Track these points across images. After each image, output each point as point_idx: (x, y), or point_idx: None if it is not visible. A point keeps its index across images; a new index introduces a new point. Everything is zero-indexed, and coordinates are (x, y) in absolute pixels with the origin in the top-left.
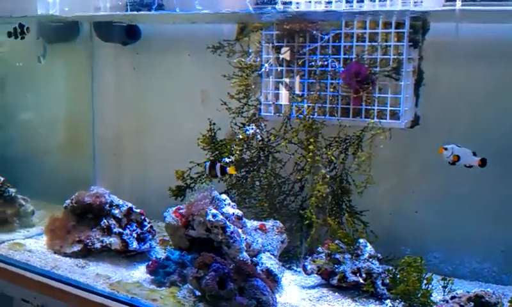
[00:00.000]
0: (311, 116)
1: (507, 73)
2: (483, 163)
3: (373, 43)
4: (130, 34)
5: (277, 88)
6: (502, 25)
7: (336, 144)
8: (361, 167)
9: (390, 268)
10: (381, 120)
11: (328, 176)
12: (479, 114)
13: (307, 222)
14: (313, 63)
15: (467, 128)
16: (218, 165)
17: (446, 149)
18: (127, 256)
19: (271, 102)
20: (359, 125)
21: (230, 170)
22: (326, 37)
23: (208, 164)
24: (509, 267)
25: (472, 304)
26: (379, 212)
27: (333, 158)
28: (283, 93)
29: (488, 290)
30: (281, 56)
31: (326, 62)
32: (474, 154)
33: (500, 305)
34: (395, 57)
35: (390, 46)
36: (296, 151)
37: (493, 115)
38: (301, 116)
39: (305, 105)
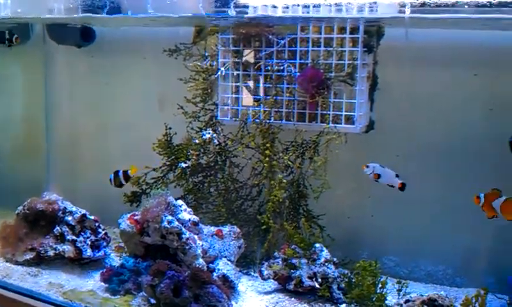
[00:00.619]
0: (267, 121)
1: (459, 77)
2: (403, 186)
3: (328, 48)
4: (84, 36)
5: (234, 92)
6: (453, 31)
7: (293, 148)
8: (317, 172)
9: (346, 272)
10: (337, 125)
11: (285, 181)
12: (433, 117)
13: (264, 227)
14: (269, 68)
15: (421, 131)
16: (121, 172)
17: (367, 166)
18: (80, 264)
19: (227, 107)
20: (315, 129)
21: (131, 170)
22: (282, 42)
23: (112, 176)
24: (463, 270)
25: None
26: (336, 216)
27: (289, 163)
28: (240, 97)
29: (442, 293)
30: (237, 60)
31: (282, 67)
32: (397, 176)
33: None
34: (350, 62)
35: (345, 51)
36: (253, 156)
37: (446, 118)
38: (258, 120)
39: (262, 110)
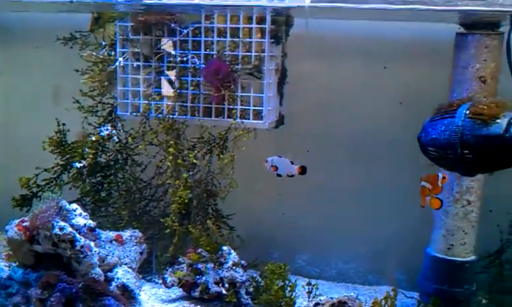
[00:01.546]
0: (171, 116)
1: (370, 70)
2: (303, 170)
3: (234, 39)
4: None
5: (134, 85)
6: (365, 24)
7: (200, 145)
8: (224, 170)
9: (255, 275)
10: (244, 120)
11: (191, 180)
12: (344, 111)
13: (168, 230)
14: (171, 59)
15: (332, 126)
16: None
17: (266, 161)
18: None
19: (127, 101)
20: (222, 125)
21: None
22: (185, 31)
23: None
24: (374, 267)
25: None
26: (246, 215)
27: (195, 161)
28: (141, 91)
29: (352, 294)
30: (137, 50)
31: (185, 58)
32: (292, 163)
33: None
34: (257, 54)
35: (252, 42)
36: (157, 154)
37: (357, 112)
38: (161, 115)
39: (165, 104)
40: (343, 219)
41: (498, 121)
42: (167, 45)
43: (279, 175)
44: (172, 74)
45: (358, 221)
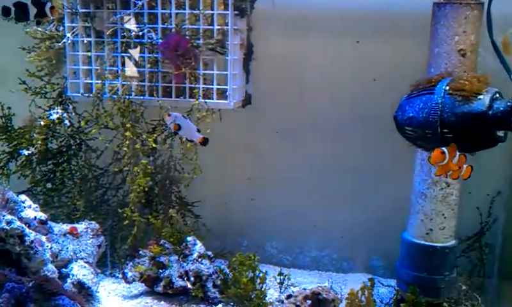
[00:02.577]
0: (127, 96)
1: (342, 47)
2: (204, 141)
3: (194, 11)
4: None
5: (85, 63)
6: None
7: (160, 128)
8: (186, 155)
9: (223, 266)
10: (208, 100)
11: (151, 166)
12: (316, 89)
13: (127, 222)
14: (125, 34)
15: (303, 105)
16: None
17: (169, 115)
18: None
19: (78, 80)
20: (184, 106)
21: None
22: (140, 2)
23: None
24: (349, 254)
25: (309, 302)
26: (213, 202)
27: (154, 145)
28: (93, 69)
29: (325, 284)
30: (87, 25)
31: (141, 33)
32: (198, 131)
33: (337, 301)
34: (220, 27)
35: (213, 15)
36: (114, 138)
37: (329, 90)
38: (116, 96)
39: (119, 84)
40: (316, 203)
41: (481, 97)
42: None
43: (175, 133)
44: (134, 52)
45: (333, 205)
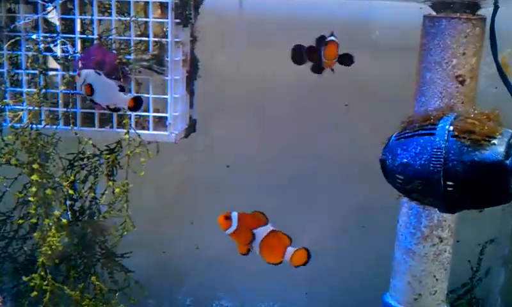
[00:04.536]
0: (34, 126)
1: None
2: (135, 104)
3: (123, 18)
4: None
5: None
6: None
7: (78, 166)
8: (113, 206)
9: None
10: (142, 132)
11: (67, 218)
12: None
13: (35, 292)
14: (32, 45)
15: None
16: None
17: (79, 75)
18: None
19: None
20: (111, 137)
21: None
22: (52, 4)
23: None
24: None
25: None
26: (149, 252)
27: (71, 191)
28: None
29: None
30: None
31: (54, 45)
32: (122, 90)
33: None
34: (157, 39)
35: (148, 23)
36: (20, 175)
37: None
38: (19, 125)
39: (25, 109)
40: None
41: (495, 141)
42: (25, 24)
43: (94, 102)
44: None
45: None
